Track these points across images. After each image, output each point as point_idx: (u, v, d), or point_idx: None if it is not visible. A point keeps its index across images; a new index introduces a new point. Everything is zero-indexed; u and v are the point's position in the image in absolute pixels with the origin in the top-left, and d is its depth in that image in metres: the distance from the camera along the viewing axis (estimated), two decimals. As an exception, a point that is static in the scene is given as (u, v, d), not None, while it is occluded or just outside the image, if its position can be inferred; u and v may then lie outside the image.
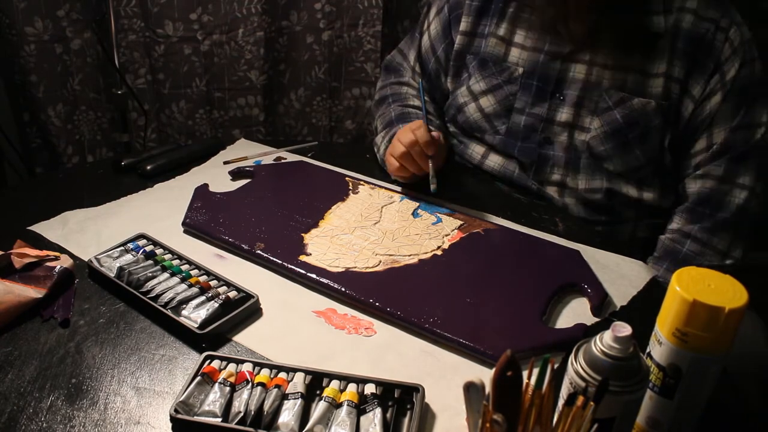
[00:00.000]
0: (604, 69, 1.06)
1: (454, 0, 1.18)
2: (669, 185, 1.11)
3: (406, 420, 0.67)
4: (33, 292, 0.81)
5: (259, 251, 0.92)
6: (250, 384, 0.68)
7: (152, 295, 0.82)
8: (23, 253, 0.86)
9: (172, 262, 0.88)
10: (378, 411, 0.66)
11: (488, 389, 0.54)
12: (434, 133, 1.06)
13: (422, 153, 1.05)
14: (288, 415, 0.65)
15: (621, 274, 0.91)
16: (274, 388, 0.68)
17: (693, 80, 1.03)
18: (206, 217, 0.99)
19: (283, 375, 0.70)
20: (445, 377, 0.73)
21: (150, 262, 0.88)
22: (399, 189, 1.10)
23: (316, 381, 0.70)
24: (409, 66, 1.30)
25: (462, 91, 1.19)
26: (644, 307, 0.85)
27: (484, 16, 1.15)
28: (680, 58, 1.03)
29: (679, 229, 1.09)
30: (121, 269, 0.85)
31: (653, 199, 1.10)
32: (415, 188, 1.10)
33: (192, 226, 0.98)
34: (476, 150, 1.20)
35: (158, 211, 1.03)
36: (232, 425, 0.65)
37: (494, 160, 1.18)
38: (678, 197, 1.12)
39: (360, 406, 0.67)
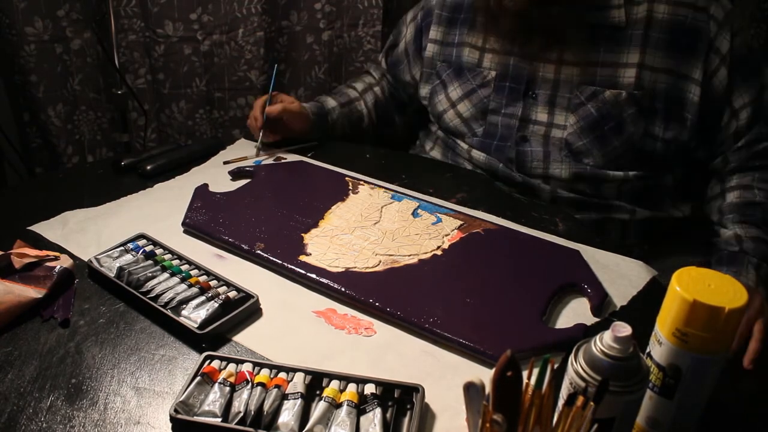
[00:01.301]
0: (573, 66, 1.09)
1: (426, 9, 1.28)
2: (653, 167, 1.13)
3: (406, 420, 0.67)
4: (33, 292, 0.81)
5: (259, 251, 0.92)
6: (250, 384, 0.68)
7: (152, 295, 0.82)
8: (23, 253, 0.86)
9: (172, 262, 0.88)
10: (378, 411, 0.66)
11: (488, 389, 0.54)
12: (268, 108, 1.20)
13: (254, 126, 1.22)
14: (288, 415, 0.65)
15: (621, 274, 0.91)
16: (274, 388, 0.68)
17: (689, 65, 1.04)
18: (206, 217, 0.99)
19: (283, 375, 0.70)
20: (445, 377, 0.73)
21: (150, 262, 0.88)
22: (399, 189, 1.10)
23: (316, 381, 0.70)
24: (377, 61, 1.42)
25: (441, 99, 1.25)
26: (644, 307, 0.85)
27: (453, 26, 1.23)
28: (658, 47, 1.05)
29: (739, 184, 1.10)
30: (121, 269, 0.85)
31: (638, 177, 1.12)
32: (414, 188, 1.10)
33: (192, 226, 0.98)
34: (463, 146, 1.24)
35: (158, 211, 1.03)
36: (232, 425, 0.64)
37: (478, 155, 1.21)
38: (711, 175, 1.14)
39: (360, 406, 0.67)
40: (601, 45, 1.07)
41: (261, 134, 1.22)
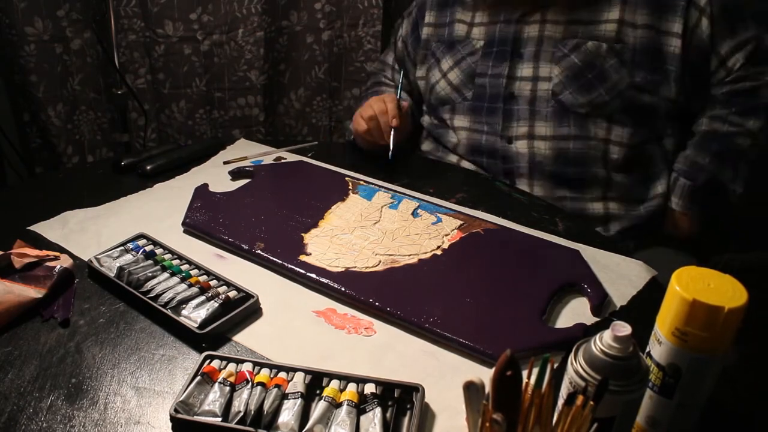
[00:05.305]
0: (556, 24, 1.15)
1: (420, 3, 1.36)
2: (639, 122, 1.16)
3: (406, 420, 0.67)
4: (33, 292, 0.81)
5: (259, 251, 0.92)
6: (250, 384, 0.68)
7: (152, 295, 0.82)
8: (23, 253, 0.86)
9: (172, 262, 0.89)
10: (378, 411, 0.66)
11: (488, 389, 0.54)
12: (404, 103, 1.20)
13: (387, 123, 1.16)
14: (288, 414, 0.65)
15: (621, 274, 0.91)
16: (274, 387, 0.68)
17: (668, 21, 1.10)
18: (206, 217, 0.99)
19: (283, 375, 0.70)
20: (445, 377, 0.73)
21: (150, 262, 0.88)
22: (399, 189, 1.10)
23: (316, 381, 0.70)
24: (389, 67, 1.44)
25: (434, 72, 1.31)
26: (644, 307, 0.85)
27: (445, 8, 1.31)
28: (638, 4, 1.11)
29: (713, 114, 1.15)
30: (121, 269, 0.85)
31: (623, 136, 1.15)
32: (414, 188, 1.10)
33: (192, 226, 0.98)
34: (451, 136, 1.27)
35: (158, 211, 1.03)
36: (232, 425, 0.65)
37: (463, 134, 1.24)
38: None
39: (360, 406, 0.67)
40: (583, 5, 1.14)
41: (393, 135, 1.16)
